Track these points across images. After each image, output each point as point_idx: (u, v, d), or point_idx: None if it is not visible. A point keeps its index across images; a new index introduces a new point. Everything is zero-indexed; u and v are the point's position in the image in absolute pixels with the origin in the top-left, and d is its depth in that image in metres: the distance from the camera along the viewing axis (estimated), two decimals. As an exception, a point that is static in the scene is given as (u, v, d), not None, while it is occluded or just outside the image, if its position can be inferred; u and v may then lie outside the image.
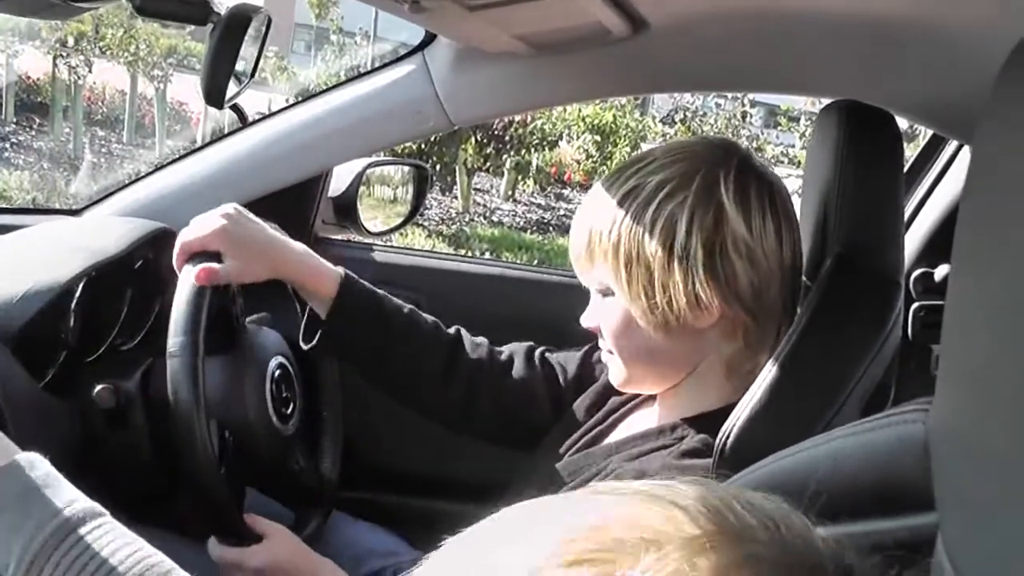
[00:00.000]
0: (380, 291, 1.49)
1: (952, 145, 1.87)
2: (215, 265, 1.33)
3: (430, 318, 1.51)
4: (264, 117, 1.81)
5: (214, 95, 1.40)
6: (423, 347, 1.47)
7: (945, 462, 0.54)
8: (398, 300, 1.50)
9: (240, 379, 1.43)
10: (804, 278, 1.35)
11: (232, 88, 1.46)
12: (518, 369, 1.48)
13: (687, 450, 1.16)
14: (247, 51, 1.47)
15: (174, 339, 1.27)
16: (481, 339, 1.52)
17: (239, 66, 1.47)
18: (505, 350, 1.51)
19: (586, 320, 1.28)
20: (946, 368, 0.54)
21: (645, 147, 11.22)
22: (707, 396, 1.23)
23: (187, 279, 1.31)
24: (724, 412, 1.16)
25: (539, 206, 11.40)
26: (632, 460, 1.21)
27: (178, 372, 1.26)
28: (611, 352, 1.26)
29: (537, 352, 1.51)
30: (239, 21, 1.38)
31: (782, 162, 11.49)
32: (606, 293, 1.22)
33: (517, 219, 10.61)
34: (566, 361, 1.50)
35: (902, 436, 0.59)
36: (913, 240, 1.87)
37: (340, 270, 1.45)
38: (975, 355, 0.51)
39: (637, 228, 1.16)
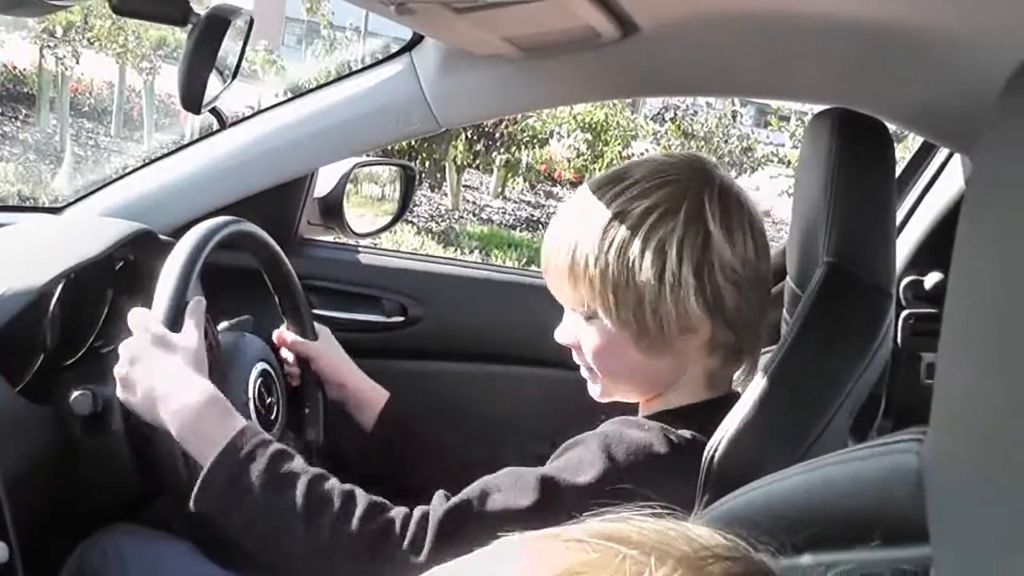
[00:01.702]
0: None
1: (943, 152, 1.86)
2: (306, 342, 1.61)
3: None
4: (250, 116, 1.79)
5: (191, 100, 1.37)
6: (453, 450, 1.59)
7: (939, 494, 0.53)
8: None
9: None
10: (795, 287, 1.34)
11: (214, 89, 1.43)
12: None
13: (669, 427, 1.18)
14: (229, 50, 1.45)
15: None
16: None
17: (222, 63, 1.44)
18: None
19: (561, 336, 1.30)
20: (941, 396, 0.53)
21: (636, 145, 11.24)
22: (680, 397, 1.26)
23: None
24: (702, 406, 1.23)
25: (529, 204, 11.40)
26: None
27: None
28: (591, 370, 1.29)
29: None
30: (218, 23, 1.35)
31: (772, 161, 11.51)
32: (590, 316, 1.23)
33: (507, 216, 10.61)
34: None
35: (895, 466, 0.57)
36: (903, 247, 1.86)
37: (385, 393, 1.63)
38: (973, 383, 0.49)
39: (626, 255, 1.17)
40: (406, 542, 1.13)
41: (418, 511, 1.16)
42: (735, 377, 1.30)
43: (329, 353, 1.64)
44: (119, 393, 1.29)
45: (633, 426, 1.18)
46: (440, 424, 1.63)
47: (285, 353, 1.62)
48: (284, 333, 1.62)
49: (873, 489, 0.59)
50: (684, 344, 1.20)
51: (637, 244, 1.16)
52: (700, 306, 1.17)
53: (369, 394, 1.62)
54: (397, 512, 1.17)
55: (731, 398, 1.20)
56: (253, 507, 1.17)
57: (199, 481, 1.18)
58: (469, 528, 1.12)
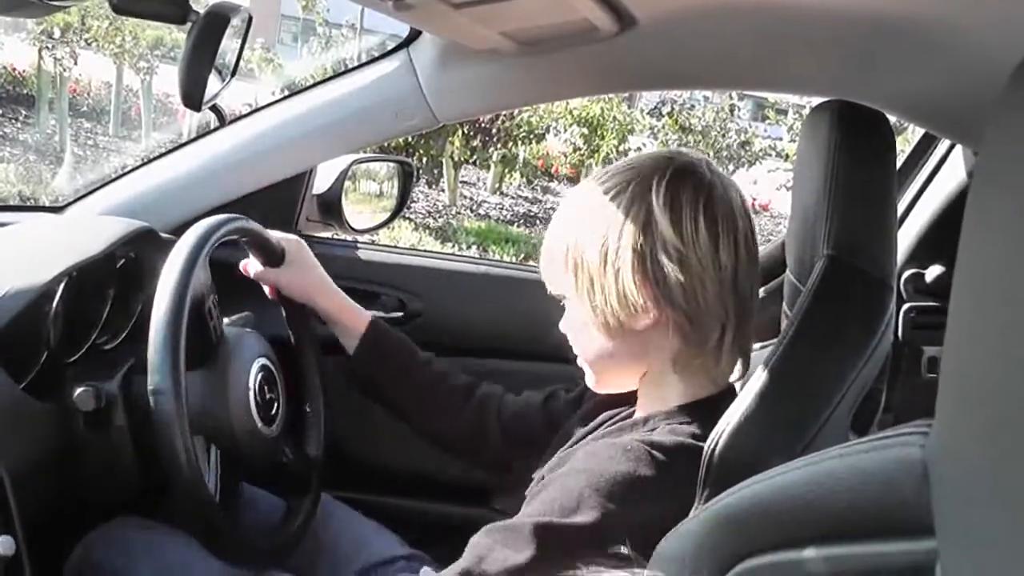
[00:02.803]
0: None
1: (943, 144, 1.85)
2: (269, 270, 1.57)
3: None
4: (248, 113, 1.78)
5: (191, 97, 1.37)
6: (440, 381, 1.62)
7: (945, 487, 0.52)
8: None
9: (223, 392, 1.43)
10: (795, 280, 1.34)
11: (213, 87, 1.43)
12: (524, 395, 1.60)
13: (654, 441, 1.18)
14: (227, 48, 1.45)
15: (154, 375, 1.28)
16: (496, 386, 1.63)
17: (221, 61, 1.44)
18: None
19: (562, 326, 1.34)
20: (946, 389, 0.52)
21: (632, 140, 11.22)
22: (668, 393, 1.27)
23: (162, 301, 1.31)
24: (691, 407, 1.23)
25: (526, 199, 11.38)
26: (599, 439, 1.28)
27: (161, 405, 1.28)
28: (579, 355, 1.33)
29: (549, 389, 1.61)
30: (218, 21, 1.35)
31: (769, 155, 11.46)
32: (563, 300, 1.30)
33: (504, 212, 10.59)
34: (572, 388, 1.56)
35: (900, 459, 0.57)
36: (904, 240, 1.86)
37: (371, 314, 1.65)
38: (979, 375, 0.49)
39: (580, 236, 1.23)
40: None
41: None
42: (734, 371, 1.29)
43: (300, 278, 1.62)
44: None
45: (616, 453, 1.16)
46: (423, 352, 1.65)
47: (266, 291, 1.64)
48: (248, 263, 1.61)
49: (878, 482, 0.58)
50: (635, 324, 1.21)
51: (587, 225, 1.23)
52: (640, 284, 1.18)
53: (349, 316, 1.63)
54: None
55: (729, 394, 1.20)
56: None
57: None
58: None
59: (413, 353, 1.63)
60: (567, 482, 1.17)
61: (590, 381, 1.33)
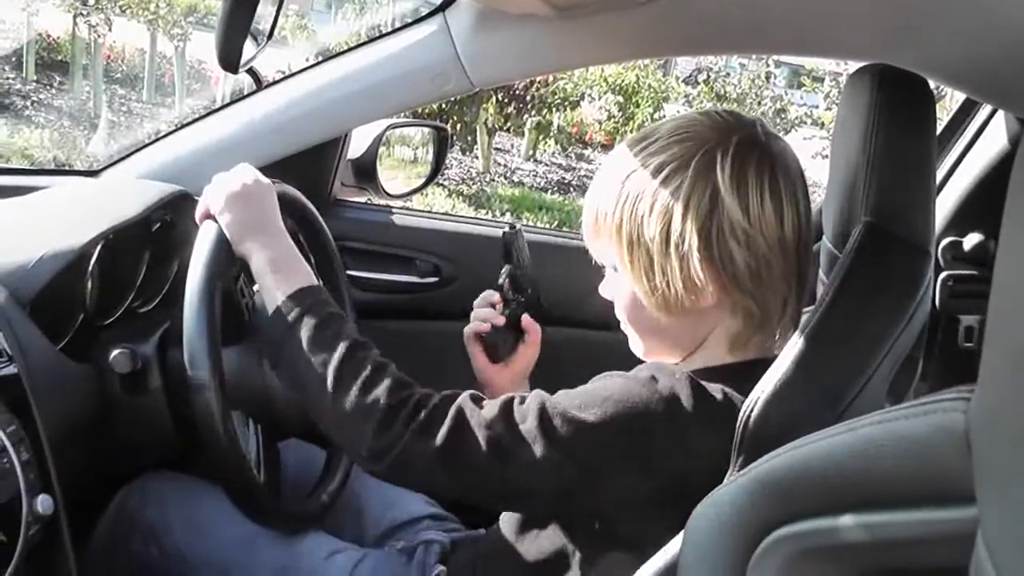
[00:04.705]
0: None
1: (985, 110, 1.83)
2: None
3: None
4: (283, 78, 1.78)
5: (229, 60, 1.37)
6: None
7: (987, 454, 0.52)
8: None
9: (258, 365, 1.44)
10: (832, 247, 1.33)
11: (249, 51, 1.43)
12: None
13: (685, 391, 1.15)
14: (264, 11, 1.44)
15: (195, 371, 1.29)
16: None
17: (256, 27, 1.44)
18: None
19: (602, 290, 1.30)
20: (990, 354, 0.52)
21: (667, 108, 11.16)
22: (714, 361, 1.23)
23: (195, 275, 1.31)
24: (735, 366, 1.21)
25: (560, 166, 11.35)
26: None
27: (201, 394, 1.29)
28: (626, 324, 1.29)
29: None
30: (254, -15, 1.35)
31: (805, 123, 11.38)
32: (614, 269, 1.25)
33: (538, 179, 10.57)
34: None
35: (942, 425, 0.56)
36: (942, 207, 1.84)
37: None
38: (1023, 340, 0.49)
39: (636, 212, 1.17)
40: (419, 421, 1.14)
41: (439, 395, 1.17)
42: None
43: None
44: (214, 208, 1.34)
45: (663, 373, 1.15)
46: None
47: None
48: None
49: (919, 449, 0.57)
50: (695, 304, 1.18)
51: (647, 200, 1.16)
52: (707, 268, 1.15)
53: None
54: (421, 393, 1.18)
55: (765, 361, 1.19)
56: (300, 355, 1.21)
57: (271, 311, 1.25)
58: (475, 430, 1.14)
59: None
60: (606, 380, 1.16)
61: (636, 348, 1.31)
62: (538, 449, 1.10)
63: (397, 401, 1.16)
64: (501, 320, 1.46)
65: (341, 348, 1.20)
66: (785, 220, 1.16)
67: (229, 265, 1.35)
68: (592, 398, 1.12)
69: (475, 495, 1.20)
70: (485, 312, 1.47)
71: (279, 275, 1.28)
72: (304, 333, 1.22)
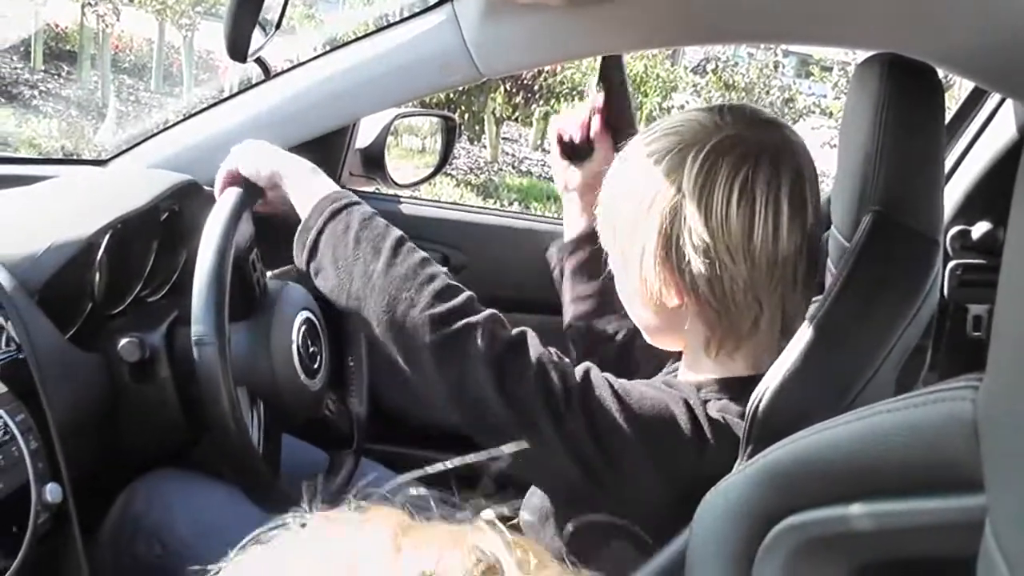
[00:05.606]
0: None
1: (993, 100, 1.82)
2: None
3: None
4: (291, 68, 1.78)
5: (237, 49, 1.38)
6: None
7: (996, 443, 0.52)
8: None
9: (266, 344, 1.44)
10: (840, 236, 1.32)
11: (257, 41, 1.43)
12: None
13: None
14: (272, 1, 1.44)
15: (198, 326, 1.29)
16: None
17: (264, 17, 1.44)
18: None
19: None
20: (999, 343, 0.52)
21: (676, 97, 11.13)
22: (703, 368, 1.23)
23: (207, 249, 1.31)
24: (726, 382, 1.19)
25: (568, 156, 11.32)
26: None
27: (206, 355, 1.29)
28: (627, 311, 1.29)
29: None
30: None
31: (814, 112, 11.34)
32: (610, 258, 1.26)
33: (546, 169, 10.54)
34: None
35: (950, 414, 0.56)
36: (951, 197, 1.83)
37: None
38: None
39: (618, 204, 1.19)
40: (488, 316, 1.16)
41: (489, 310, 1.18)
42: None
43: None
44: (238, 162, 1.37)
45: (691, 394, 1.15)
46: None
47: None
48: None
49: (928, 437, 0.57)
50: (667, 302, 1.16)
51: (624, 192, 1.18)
52: (663, 270, 1.14)
53: None
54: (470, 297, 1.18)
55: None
56: (350, 232, 1.21)
57: (311, 209, 1.26)
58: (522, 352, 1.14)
59: None
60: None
61: (644, 335, 1.30)
62: (574, 406, 1.10)
63: (457, 286, 1.18)
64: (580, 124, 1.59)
65: (396, 232, 1.22)
66: (756, 230, 1.11)
67: (245, 234, 1.36)
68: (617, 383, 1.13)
69: (487, 422, 1.14)
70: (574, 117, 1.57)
71: (319, 177, 1.33)
72: (358, 210, 1.24)
